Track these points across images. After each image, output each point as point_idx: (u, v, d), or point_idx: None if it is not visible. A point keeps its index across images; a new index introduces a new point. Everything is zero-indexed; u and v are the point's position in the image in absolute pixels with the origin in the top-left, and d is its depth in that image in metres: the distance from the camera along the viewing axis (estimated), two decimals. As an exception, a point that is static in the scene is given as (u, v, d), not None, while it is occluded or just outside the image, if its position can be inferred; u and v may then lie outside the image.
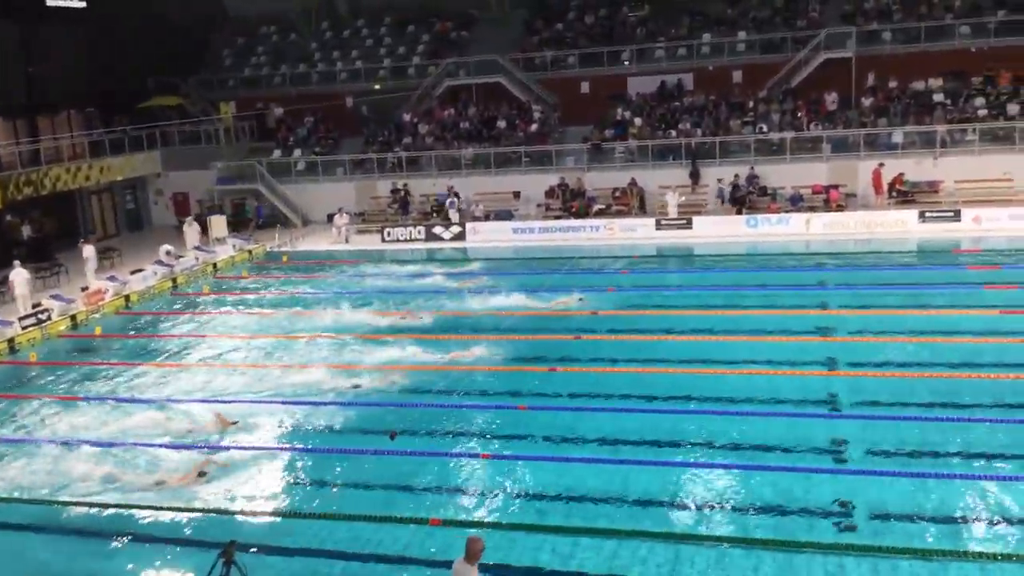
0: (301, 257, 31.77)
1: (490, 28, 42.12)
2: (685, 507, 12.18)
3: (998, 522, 11.26)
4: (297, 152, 39.26)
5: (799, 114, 34.17)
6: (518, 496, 12.81)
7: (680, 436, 14.37)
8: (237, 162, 38.69)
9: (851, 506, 11.74)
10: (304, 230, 36.39)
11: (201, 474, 13.89)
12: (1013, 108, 31.91)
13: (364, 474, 13.87)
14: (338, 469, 14.09)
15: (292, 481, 13.89)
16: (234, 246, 32.57)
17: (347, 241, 33.61)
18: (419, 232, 33.28)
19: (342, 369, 18.54)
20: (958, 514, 11.49)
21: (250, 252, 32.34)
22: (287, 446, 15.02)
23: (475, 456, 14.18)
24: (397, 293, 25.39)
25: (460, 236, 32.83)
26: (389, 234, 33.44)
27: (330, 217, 34.79)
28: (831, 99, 34.14)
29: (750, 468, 13.08)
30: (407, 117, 39.22)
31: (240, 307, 25.26)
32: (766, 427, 14.53)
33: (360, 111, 39.93)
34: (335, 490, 13.46)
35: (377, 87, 40.47)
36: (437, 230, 33.26)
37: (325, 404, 16.66)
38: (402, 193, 35.87)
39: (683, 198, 32.42)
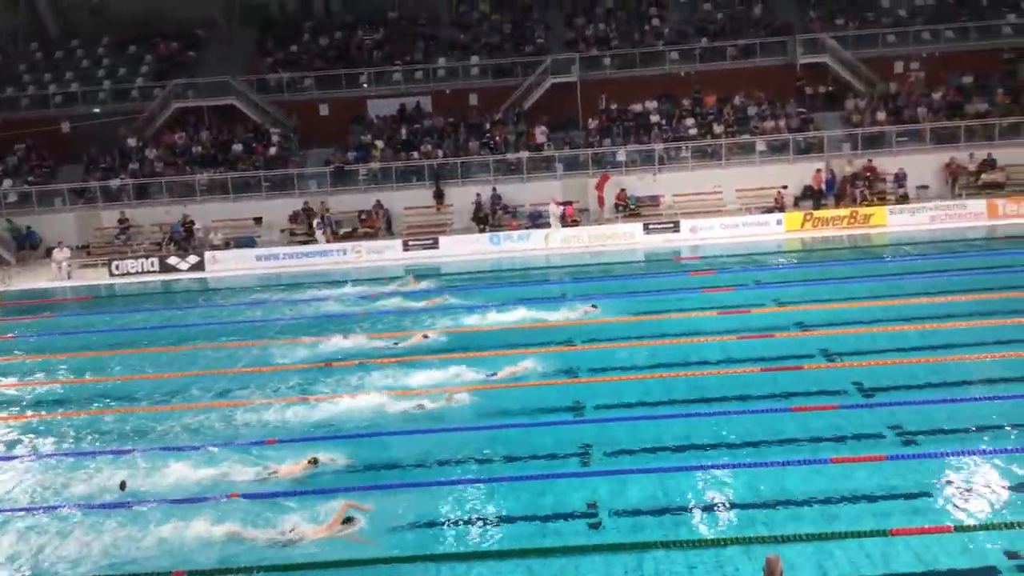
0: (14, 297, 28.84)
1: (219, 48, 40.66)
2: (433, 525, 12.14)
3: (727, 508, 12.20)
4: (7, 183, 35.73)
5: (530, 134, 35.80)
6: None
7: (427, 453, 14.41)
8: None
9: (598, 506, 12.32)
10: (18, 267, 33.10)
11: (347, 520, 11.78)
12: (718, 128, 35.25)
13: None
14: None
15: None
16: (-68, 289, 29.03)
17: (69, 277, 30.94)
18: (152, 264, 31.31)
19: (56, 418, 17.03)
20: (693, 504, 12.31)
21: (-48, 295, 28.95)
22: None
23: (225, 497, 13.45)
24: (126, 332, 23.69)
25: (199, 267, 31.27)
26: (117, 267, 31.22)
27: (49, 252, 31.90)
28: (540, 131, 35.94)
29: (501, 480, 13.37)
30: (132, 142, 36.84)
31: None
32: (513, 436, 14.89)
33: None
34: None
35: (97, 111, 37.72)
36: (172, 260, 31.48)
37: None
38: (187, 223, 33.57)
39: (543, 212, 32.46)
